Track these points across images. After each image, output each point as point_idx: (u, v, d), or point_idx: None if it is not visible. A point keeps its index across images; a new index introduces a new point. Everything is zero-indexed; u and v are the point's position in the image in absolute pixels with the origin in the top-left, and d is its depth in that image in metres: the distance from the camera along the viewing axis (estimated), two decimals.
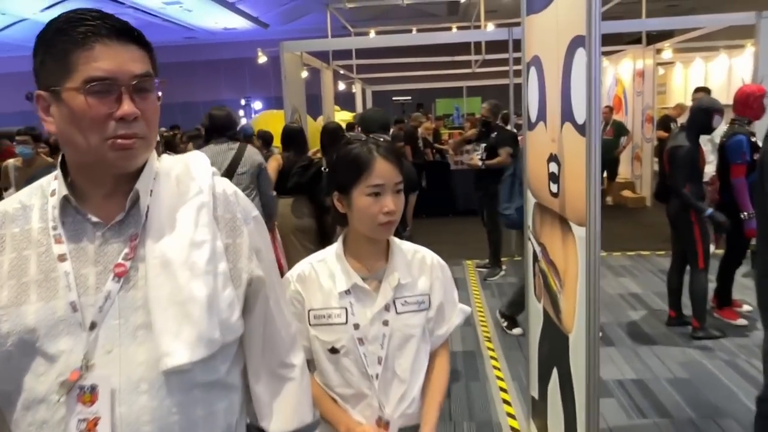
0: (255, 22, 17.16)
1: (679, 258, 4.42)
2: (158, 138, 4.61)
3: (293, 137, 4.71)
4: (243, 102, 19.74)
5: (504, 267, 6.10)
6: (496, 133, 5.76)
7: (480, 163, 5.77)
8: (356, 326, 1.42)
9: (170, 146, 7.08)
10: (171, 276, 0.96)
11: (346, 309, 1.43)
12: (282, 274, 1.34)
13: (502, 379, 3.80)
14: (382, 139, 1.44)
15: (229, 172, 3.83)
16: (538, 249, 2.52)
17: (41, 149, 5.96)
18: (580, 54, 1.84)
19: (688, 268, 4.29)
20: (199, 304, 0.95)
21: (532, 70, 2.47)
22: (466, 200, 8.19)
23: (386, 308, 1.44)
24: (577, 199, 1.94)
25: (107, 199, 1.00)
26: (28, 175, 5.00)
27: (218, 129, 3.95)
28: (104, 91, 0.92)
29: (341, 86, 11.99)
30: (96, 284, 0.95)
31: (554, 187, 2.22)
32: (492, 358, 4.13)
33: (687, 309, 4.37)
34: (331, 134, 4.69)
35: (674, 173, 4.09)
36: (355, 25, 12.02)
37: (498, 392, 3.62)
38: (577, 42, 1.87)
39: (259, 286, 1.09)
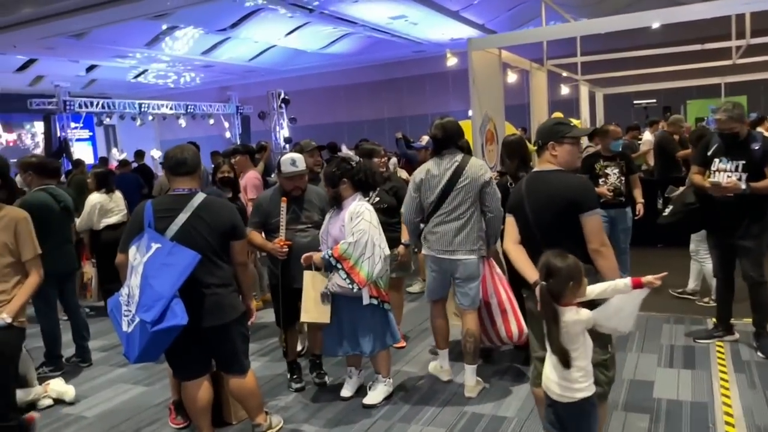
0: (481, 30, 16.54)
1: None
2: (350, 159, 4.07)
3: (516, 149, 4.31)
4: (470, 113, 19.22)
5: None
6: (757, 144, 4.14)
7: (743, 185, 4.11)
8: None
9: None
10: None
11: None
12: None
13: None
14: None
15: (449, 186, 3.81)
16: None
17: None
18: None
19: None
20: None
21: None
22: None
23: None
24: None
25: None
26: None
27: (450, 138, 3.93)
28: None
29: (564, 90, 10.57)
30: None
31: None
32: None
33: None
34: (510, 147, 4.30)
35: None
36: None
37: None
38: None
39: None
